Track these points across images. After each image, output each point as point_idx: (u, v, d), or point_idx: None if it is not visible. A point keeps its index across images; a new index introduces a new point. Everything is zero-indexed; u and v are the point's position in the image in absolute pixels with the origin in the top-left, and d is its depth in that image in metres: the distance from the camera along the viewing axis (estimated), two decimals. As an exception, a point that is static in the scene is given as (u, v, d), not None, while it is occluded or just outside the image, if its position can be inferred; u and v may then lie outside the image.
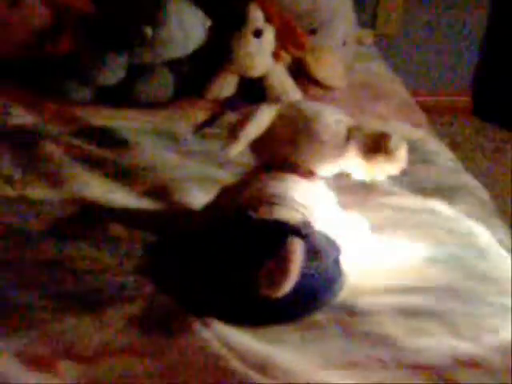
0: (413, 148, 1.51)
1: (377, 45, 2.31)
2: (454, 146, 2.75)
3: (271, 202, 1.08)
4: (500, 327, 1.08)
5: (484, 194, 1.50)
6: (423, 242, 1.26)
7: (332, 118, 1.16)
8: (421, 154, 1.56)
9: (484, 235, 1.32)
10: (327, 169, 1.18)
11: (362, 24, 2.17)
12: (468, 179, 1.54)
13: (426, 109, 2.25)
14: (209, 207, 1.21)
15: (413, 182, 1.45)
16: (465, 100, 2.98)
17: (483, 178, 2.49)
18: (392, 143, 1.13)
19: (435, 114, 2.79)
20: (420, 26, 2.79)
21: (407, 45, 2.81)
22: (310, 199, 1.11)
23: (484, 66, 2.89)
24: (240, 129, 1.10)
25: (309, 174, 1.16)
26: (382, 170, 1.16)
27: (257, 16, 1.61)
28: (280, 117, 1.15)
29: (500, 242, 1.31)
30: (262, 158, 1.19)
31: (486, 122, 2.92)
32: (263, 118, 1.12)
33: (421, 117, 1.79)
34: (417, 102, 2.07)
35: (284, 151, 1.15)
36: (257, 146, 1.16)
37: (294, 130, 1.14)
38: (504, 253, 1.28)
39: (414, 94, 2.36)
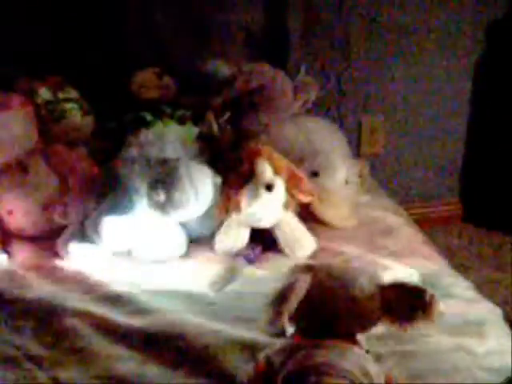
0: (431, 283, 1.54)
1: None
2: (449, 254, 2.81)
3: (320, 371, 1.09)
4: None
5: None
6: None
7: (365, 279, 1.18)
8: (440, 288, 1.57)
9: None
10: (367, 330, 1.19)
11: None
12: (490, 307, 1.55)
13: (417, 220, 2.30)
14: (250, 380, 1.21)
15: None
16: (455, 207, 3.04)
17: (484, 284, 2.56)
18: (427, 297, 1.15)
19: (427, 225, 2.85)
20: (403, 141, 2.86)
21: (392, 161, 2.88)
22: (355, 364, 1.11)
23: (470, 172, 2.96)
24: (283, 302, 1.11)
25: (349, 336, 1.17)
26: (419, 325, 1.17)
27: (266, 170, 1.64)
28: (314, 282, 1.17)
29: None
30: (300, 323, 1.20)
31: (478, 228, 2.98)
32: (301, 287, 1.14)
33: (430, 248, 1.81)
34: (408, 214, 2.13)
35: (322, 316, 1.16)
36: (294, 313, 1.17)
37: (330, 295, 1.16)
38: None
39: (404, 207, 2.43)
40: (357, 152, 2.78)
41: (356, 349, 1.15)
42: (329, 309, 1.15)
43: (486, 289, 2.49)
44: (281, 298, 1.12)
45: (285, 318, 1.10)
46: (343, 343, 1.15)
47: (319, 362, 1.10)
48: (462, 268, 2.67)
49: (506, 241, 2.87)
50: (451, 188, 3.03)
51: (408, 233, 1.87)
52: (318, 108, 2.35)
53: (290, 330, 1.23)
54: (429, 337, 1.40)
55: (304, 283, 1.15)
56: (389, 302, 1.17)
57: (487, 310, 1.54)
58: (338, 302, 1.15)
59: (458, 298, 1.56)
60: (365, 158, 2.64)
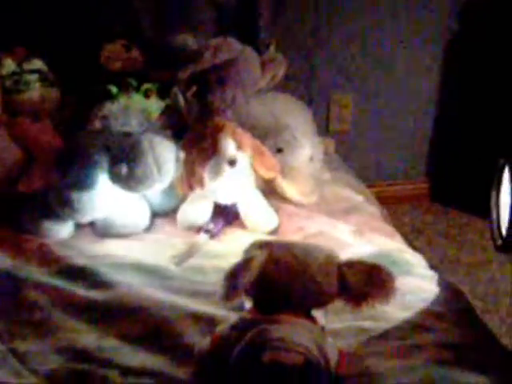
0: (392, 261, 1.56)
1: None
2: (416, 233, 2.84)
3: (275, 346, 1.10)
4: None
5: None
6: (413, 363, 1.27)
7: (323, 257, 1.19)
8: (398, 265, 1.59)
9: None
10: (323, 307, 1.21)
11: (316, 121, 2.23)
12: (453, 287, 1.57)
13: (385, 199, 2.32)
14: (206, 353, 1.22)
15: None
16: (422, 186, 3.06)
17: (449, 263, 2.58)
18: (384, 275, 1.16)
19: (394, 203, 2.87)
20: (370, 119, 2.87)
21: (360, 139, 2.89)
22: (310, 339, 1.13)
23: (438, 151, 2.98)
24: (237, 276, 1.12)
25: (305, 312, 1.18)
26: (375, 303, 1.18)
27: (229, 146, 1.64)
28: (272, 259, 1.18)
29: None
30: (256, 299, 1.21)
31: (445, 207, 3.01)
32: (257, 263, 1.14)
33: (391, 226, 1.83)
34: (375, 192, 2.15)
35: (278, 292, 1.18)
36: (250, 289, 1.18)
37: (288, 272, 1.17)
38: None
39: (372, 185, 2.45)
40: (325, 129, 2.79)
41: (311, 324, 1.17)
42: (285, 285, 1.17)
43: (449, 267, 2.55)
44: (236, 273, 1.12)
45: (240, 294, 1.11)
46: (299, 319, 1.16)
47: (274, 337, 1.11)
48: (427, 247, 2.70)
49: (471, 220, 2.90)
50: (419, 167, 3.04)
51: (369, 210, 1.88)
52: (287, 85, 2.34)
53: (248, 305, 1.24)
54: (385, 313, 1.41)
55: (260, 258, 1.15)
56: (345, 279, 1.18)
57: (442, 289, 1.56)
58: (294, 278, 1.16)
59: (417, 276, 1.58)
60: (333, 135, 2.65)
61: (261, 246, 1.19)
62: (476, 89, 2.79)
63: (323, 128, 2.75)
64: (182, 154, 1.66)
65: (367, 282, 1.16)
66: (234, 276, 1.12)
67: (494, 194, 1.83)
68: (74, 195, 1.65)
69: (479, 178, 2.73)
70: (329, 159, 2.12)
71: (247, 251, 1.19)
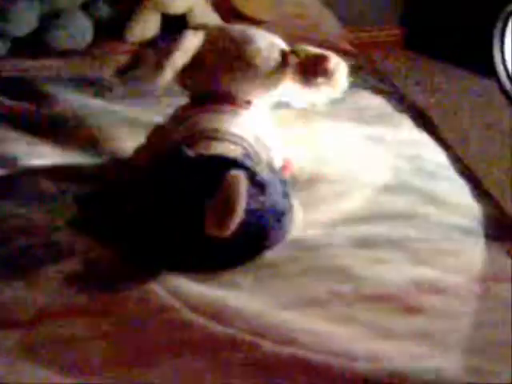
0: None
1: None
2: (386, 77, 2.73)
3: (207, 136, 1.00)
4: (459, 250, 1.04)
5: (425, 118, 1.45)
6: (370, 170, 1.20)
7: (264, 42, 1.09)
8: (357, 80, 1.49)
9: (431, 158, 1.27)
10: (264, 97, 1.10)
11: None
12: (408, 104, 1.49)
13: (356, 45, 2.20)
14: (141, 150, 1.13)
15: (353, 108, 1.39)
16: (395, 33, 2.93)
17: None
18: (331, 64, 1.06)
19: (365, 49, 2.75)
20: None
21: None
22: (248, 130, 1.03)
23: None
24: (166, 57, 1.01)
25: (245, 103, 1.08)
26: (322, 94, 1.08)
27: None
28: (208, 42, 1.07)
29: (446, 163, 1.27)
30: (193, 90, 1.11)
31: (417, 54, 2.89)
32: (189, 44, 1.04)
33: (352, 47, 1.72)
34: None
35: (215, 80, 1.07)
36: (186, 76, 1.08)
37: (224, 55, 1.07)
38: (452, 173, 1.24)
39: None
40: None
41: (252, 116, 1.07)
42: (222, 71, 1.06)
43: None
44: (165, 51, 1.01)
45: (167, 71, 1.00)
46: (237, 109, 1.06)
47: (207, 128, 1.02)
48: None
49: (443, 67, 2.79)
50: (392, 13, 2.90)
51: (331, 31, 1.76)
52: None
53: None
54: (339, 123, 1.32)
55: (194, 40, 1.04)
56: (288, 64, 1.07)
57: (405, 105, 1.47)
58: (231, 63, 1.06)
59: (375, 91, 1.49)
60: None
61: (196, 28, 1.07)
62: None
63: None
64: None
65: (314, 70, 1.05)
66: (164, 53, 1.01)
67: (496, 47, 1.71)
68: (7, 5, 1.51)
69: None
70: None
71: (182, 33, 1.06)
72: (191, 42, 1.04)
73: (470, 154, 2.21)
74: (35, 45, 1.60)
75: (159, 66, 0.99)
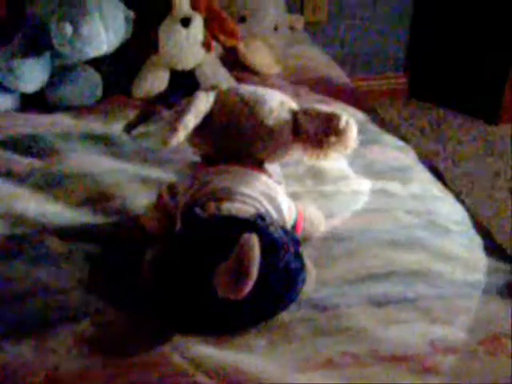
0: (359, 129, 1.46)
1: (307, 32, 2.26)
2: (393, 128, 2.73)
3: (219, 197, 1.00)
4: (472, 306, 1.03)
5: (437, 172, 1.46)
6: (382, 226, 1.20)
7: (275, 102, 1.08)
8: (367, 134, 1.50)
9: (443, 212, 1.27)
10: (275, 156, 1.10)
11: (291, 12, 2.10)
12: (414, 156, 1.49)
13: (361, 93, 2.21)
14: (152, 208, 1.12)
15: (363, 164, 1.39)
16: (401, 82, 2.95)
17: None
18: (342, 123, 1.06)
19: (371, 98, 2.76)
20: (348, 10, 2.73)
21: (337, 31, 2.75)
22: (260, 190, 1.03)
23: (416, 46, 2.86)
24: (178, 118, 1.01)
25: (256, 164, 1.08)
26: (333, 152, 1.08)
27: (182, 3, 1.51)
28: (220, 104, 1.07)
29: (458, 217, 1.27)
30: (204, 150, 1.11)
31: (423, 103, 2.90)
32: (201, 105, 1.03)
33: (359, 98, 1.73)
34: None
35: (227, 141, 1.07)
36: (197, 137, 1.08)
37: (235, 117, 1.06)
38: (464, 228, 1.24)
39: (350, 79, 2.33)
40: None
41: (263, 176, 1.07)
42: (233, 132, 1.06)
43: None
44: (178, 113, 1.01)
45: (180, 133, 1.00)
46: (248, 169, 1.06)
47: (219, 188, 1.01)
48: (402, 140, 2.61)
49: (448, 115, 2.80)
50: (397, 62, 2.92)
51: (338, 84, 1.77)
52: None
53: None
54: (349, 179, 1.33)
55: (206, 101, 1.04)
56: (300, 125, 1.07)
57: (412, 158, 1.47)
58: (243, 124, 1.06)
59: (384, 145, 1.49)
60: (307, 26, 2.51)
61: (207, 89, 1.07)
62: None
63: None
64: (131, 13, 1.53)
65: (325, 129, 1.05)
66: (176, 114, 1.01)
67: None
68: (17, 62, 1.52)
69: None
70: (296, 35, 1.99)
71: (194, 95, 1.06)
72: (203, 104, 1.04)
73: (478, 201, 2.23)
74: (45, 100, 1.60)
75: (172, 128, 0.99)
